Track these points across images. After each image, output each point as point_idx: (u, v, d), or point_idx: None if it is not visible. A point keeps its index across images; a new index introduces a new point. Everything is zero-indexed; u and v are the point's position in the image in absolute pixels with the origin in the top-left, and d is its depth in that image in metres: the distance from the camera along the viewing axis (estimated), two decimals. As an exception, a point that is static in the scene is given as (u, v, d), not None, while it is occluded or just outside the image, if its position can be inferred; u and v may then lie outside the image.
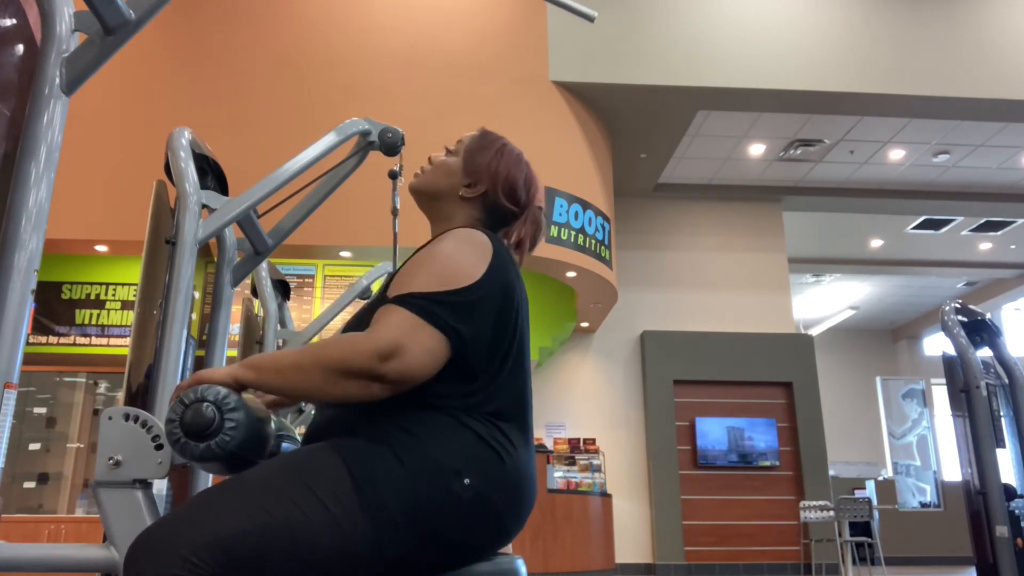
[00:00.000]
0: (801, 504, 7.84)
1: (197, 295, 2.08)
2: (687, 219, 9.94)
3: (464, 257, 1.28)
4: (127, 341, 5.08)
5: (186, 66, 6.94)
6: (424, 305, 1.20)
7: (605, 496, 7.59)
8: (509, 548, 1.36)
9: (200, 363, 2.19)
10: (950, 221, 10.56)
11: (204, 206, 2.01)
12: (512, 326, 1.30)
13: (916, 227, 10.79)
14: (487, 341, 1.25)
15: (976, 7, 8.09)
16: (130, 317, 6.57)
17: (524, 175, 1.53)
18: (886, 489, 10.15)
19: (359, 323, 1.31)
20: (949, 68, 7.81)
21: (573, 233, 7.20)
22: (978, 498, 4.03)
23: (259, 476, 1.17)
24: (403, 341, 1.15)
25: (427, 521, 1.13)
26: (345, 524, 1.11)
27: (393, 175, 1.65)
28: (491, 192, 1.48)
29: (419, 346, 1.16)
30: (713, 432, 9.10)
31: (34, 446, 6.21)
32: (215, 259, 2.27)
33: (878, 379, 11.23)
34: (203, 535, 1.09)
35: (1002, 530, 3.91)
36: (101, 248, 6.62)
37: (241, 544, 1.09)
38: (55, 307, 6.70)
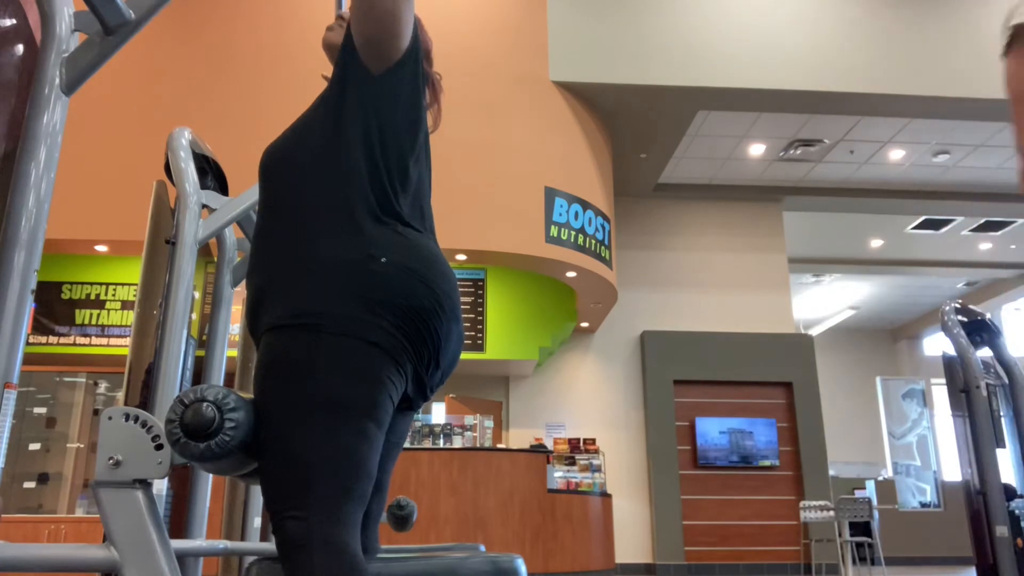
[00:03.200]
0: (801, 504, 7.84)
1: (197, 295, 2.08)
2: (687, 219, 9.94)
3: None
4: (127, 341, 5.09)
5: (186, 66, 6.94)
6: None
7: (605, 496, 7.59)
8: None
9: (200, 363, 2.19)
10: (950, 221, 10.56)
11: (204, 206, 2.01)
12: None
13: (916, 227, 10.79)
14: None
15: (976, 7, 8.09)
16: (130, 317, 6.57)
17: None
18: (886, 489, 10.15)
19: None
20: (949, 68, 7.81)
21: (573, 233, 7.20)
22: (978, 498, 4.03)
23: (276, 418, 1.24)
24: None
25: (384, 301, 1.29)
26: (345, 352, 1.25)
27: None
28: None
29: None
30: (713, 432, 9.10)
31: (34, 446, 6.21)
32: (215, 259, 2.27)
33: (878, 379, 11.24)
34: (300, 495, 1.19)
35: (1002, 530, 3.91)
36: (101, 248, 6.62)
37: (322, 460, 1.20)
38: (55, 307, 6.70)
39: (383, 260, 1.32)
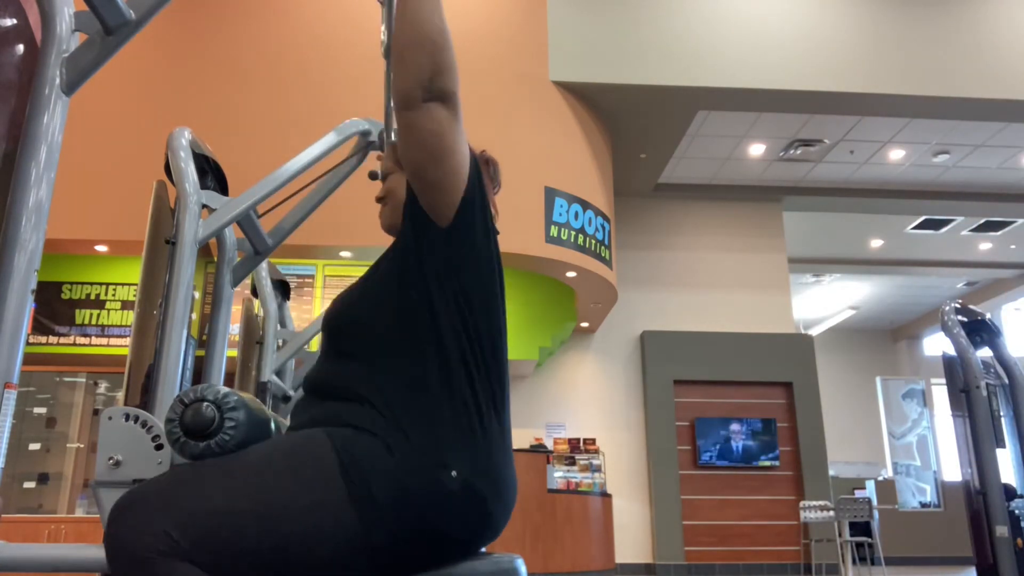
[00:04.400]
0: (801, 504, 7.84)
1: (197, 295, 2.08)
2: (687, 219, 9.94)
3: None
4: (127, 341, 5.08)
5: (186, 66, 6.94)
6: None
7: (605, 496, 7.59)
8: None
9: (200, 363, 2.19)
10: (950, 221, 10.56)
11: (204, 206, 2.01)
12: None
13: (916, 227, 10.79)
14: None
15: (976, 7, 8.09)
16: (130, 317, 6.57)
17: None
18: (886, 489, 10.15)
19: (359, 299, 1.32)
20: (949, 68, 7.81)
21: (573, 233, 7.20)
22: (978, 498, 4.03)
23: (249, 457, 1.17)
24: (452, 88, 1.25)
25: (415, 513, 1.12)
26: (330, 510, 1.11)
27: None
28: None
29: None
30: (713, 432, 9.10)
31: (34, 446, 6.21)
32: (215, 259, 2.27)
33: (878, 379, 11.24)
34: (183, 509, 1.10)
35: (1002, 530, 3.91)
36: (101, 248, 6.62)
37: (220, 522, 1.09)
38: (55, 307, 6.70)
39: (453, 474, 1.15)
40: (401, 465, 1.14)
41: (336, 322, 1.30)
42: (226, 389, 1.23)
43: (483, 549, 1.35)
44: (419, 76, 1.21)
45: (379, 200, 1.45)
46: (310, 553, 1.11)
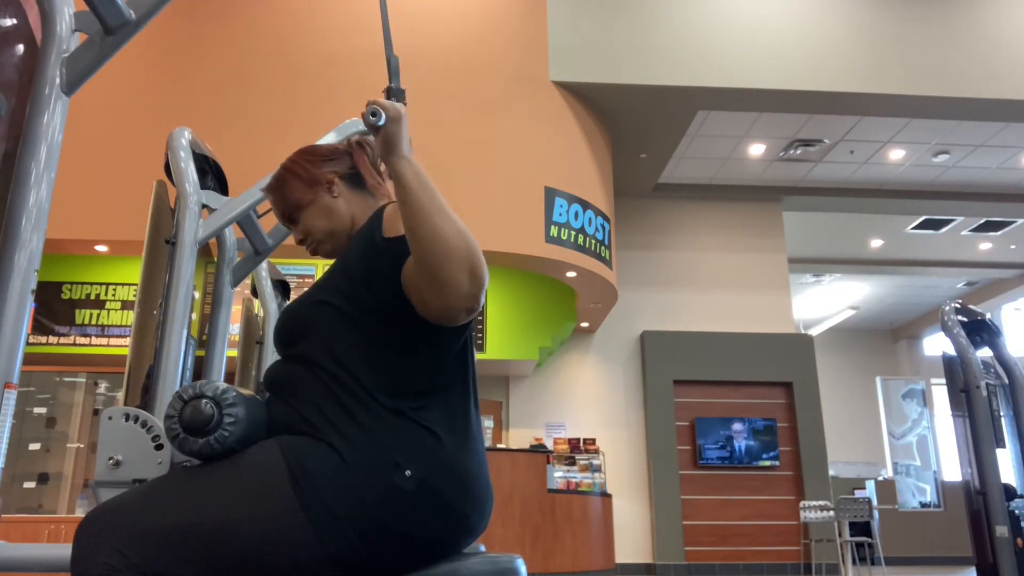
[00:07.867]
0: (801, 504, 7.84)
1: (197, 295, 2.08)
2: (687, 219, 9.95)
3: None
4: (127, 341, 5.08)
5: (186, 66, 6.94)
6: None
7: (605, 496, 7.59)
8: (481, 547, 1.35)
9: (200, 363, 2.19)
10: (950, 221, 10.56)
11: (204, 206, 2.01)
12: None
13: (916, 227, 10.79)
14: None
15: (975, 7, 8.09)
16: (130, 317, 6.57)
17: (317, 146, 1.49)
18: (886, 489, 10.15)
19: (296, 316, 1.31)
20: (949, 68, 7.81)
21: (573, 233, 7.20)
22: (978, 498, 4.03)
23: (206, 472, 1.18)
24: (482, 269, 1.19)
25: (369, 516, 1.11)
26: (282, 521, 1.11)
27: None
28: (336, 172, 1.45)
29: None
30: (713, 432, 9.10)
31: (34, 446, 6.21)
32: (215, 259, 2.27)
33: (878, 379, 11.24)
34: (136, 526, 1.11)
35: (1002, 530, 3.91)
36: (101, 248, 6.62)
37: (171, 538, 1.11)
38: (55, 307, 6.70)
39: (407, 474, 1.13)
40: (352, 470, 1.12)
41: (284, 330, 1.30)
42: (225, 385, 1.23)
43: (482, 548, 1.34)
44: (460, 294, 1.16)
45: (301, 243, 1.44)
46: (267, 566, 1.10)
